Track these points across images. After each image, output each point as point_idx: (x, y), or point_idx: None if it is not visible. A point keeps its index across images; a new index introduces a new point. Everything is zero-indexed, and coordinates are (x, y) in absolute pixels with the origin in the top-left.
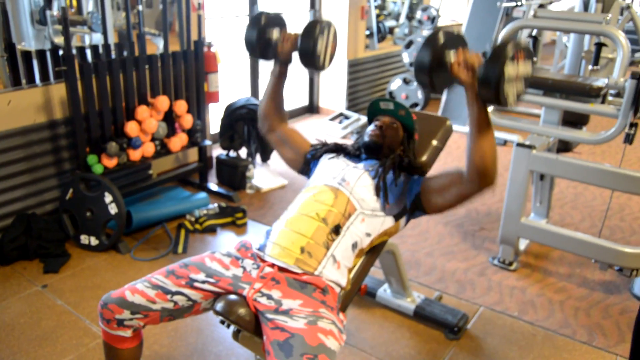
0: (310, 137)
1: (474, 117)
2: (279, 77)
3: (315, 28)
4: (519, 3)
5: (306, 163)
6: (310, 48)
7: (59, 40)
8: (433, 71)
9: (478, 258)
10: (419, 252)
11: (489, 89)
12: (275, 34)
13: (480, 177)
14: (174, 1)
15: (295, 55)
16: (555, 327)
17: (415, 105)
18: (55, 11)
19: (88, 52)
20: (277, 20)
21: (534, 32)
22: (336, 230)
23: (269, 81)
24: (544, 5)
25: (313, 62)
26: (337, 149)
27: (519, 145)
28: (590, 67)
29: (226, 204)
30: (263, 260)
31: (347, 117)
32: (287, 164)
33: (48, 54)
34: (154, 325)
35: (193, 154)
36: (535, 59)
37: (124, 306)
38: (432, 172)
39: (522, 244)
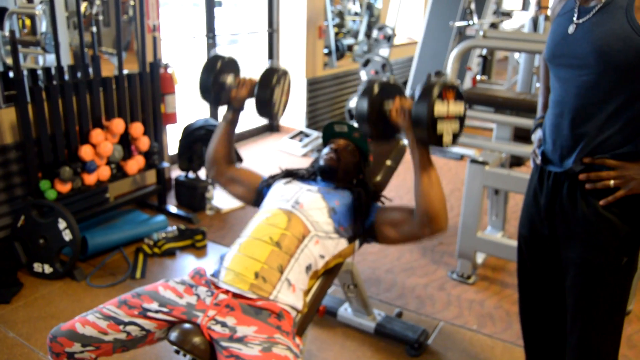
0: (260, 171)
1: (416, 160)
2: (231, 124)
3: (272, 77)
4: (470, 22)
5: (258, 194)
6: (267, 97)
7: (12, 61)
8: (374, 121)
9: (437, 273)
10: (379, 269)
11: (421, 128)
12: (229, 79)
13: (430, 221)
14: (130, 21)
15: (248, 102)
16: (513, 338)
17: None
18: (7, 32)
19: (41, 74)
20: (231, 65)
21: (484, 52)
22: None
23: (219, 127)
24: (496, 24)
25: (268, 111)
26: (291, 175)
27: (473, 161)
28: (537, 84)
29: (185, 226)
30: (217, 287)
31: (307, 135)
32: (238, 200)
33: None
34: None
35: (151, 176)
36: (486, 77)
37: (74, 339)
38: (392, 195)
39: (480, 257)
